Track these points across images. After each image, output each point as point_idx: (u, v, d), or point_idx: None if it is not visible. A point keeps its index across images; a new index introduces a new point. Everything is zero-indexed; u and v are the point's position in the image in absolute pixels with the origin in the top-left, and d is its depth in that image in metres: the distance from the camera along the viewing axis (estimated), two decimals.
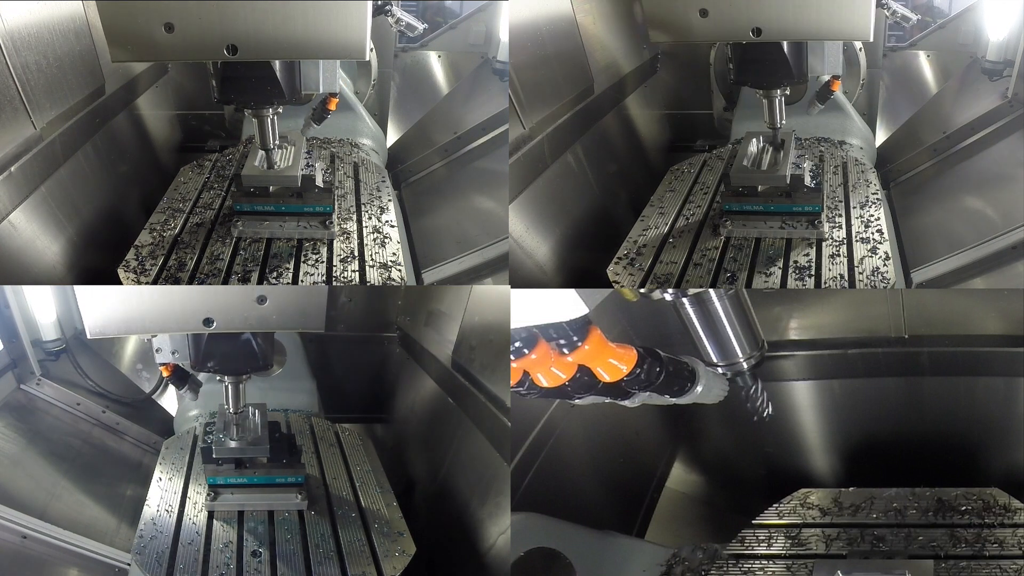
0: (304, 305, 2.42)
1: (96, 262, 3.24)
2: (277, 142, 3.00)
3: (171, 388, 4.38)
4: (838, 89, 3.34)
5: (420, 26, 3.83)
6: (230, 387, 2.77)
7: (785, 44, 2.89)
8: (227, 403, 2.80)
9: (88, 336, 2.34)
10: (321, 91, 2.93)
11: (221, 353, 2.62)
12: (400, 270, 2.95)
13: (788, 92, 3.11)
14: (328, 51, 2.51)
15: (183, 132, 4.70)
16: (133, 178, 3.92)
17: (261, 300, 2.37)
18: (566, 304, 1.92)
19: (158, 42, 2.42)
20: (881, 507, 2.82)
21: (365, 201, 3.39)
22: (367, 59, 2.60)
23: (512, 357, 2.07)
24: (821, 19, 2.69)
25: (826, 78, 3.47)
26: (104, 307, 2.32)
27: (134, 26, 2.42)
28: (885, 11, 3.59)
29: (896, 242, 3.51)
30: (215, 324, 2.37)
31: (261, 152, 3.21)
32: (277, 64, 2.67)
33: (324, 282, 2.85)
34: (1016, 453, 3.57)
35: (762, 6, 2.71)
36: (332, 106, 3.32)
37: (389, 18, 3.70)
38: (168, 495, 2.92)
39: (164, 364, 2.71)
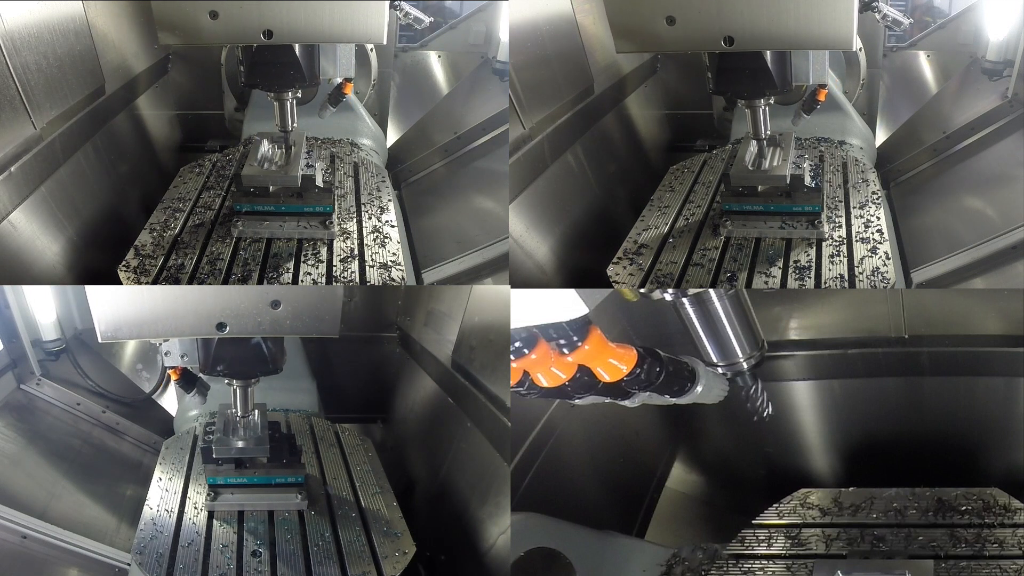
0: (319, 309, 2.42)
1: (96, 262, 3.24)
2: (295, 124, 3.16)
3: (171, 388, 4.38)
4: (824, 99, 3.18)
5: (427, 19, 3.87)
6: (238, 391, 2.76)
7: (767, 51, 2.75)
8: (235, 407, 2.79)
9: (100, 340, 2.33)
10: (338, 76, 3.17)
11: (231, 357, 2.60)
12: (400, 270, 2.95)
13: (772, 101, 2.97)
14: (351, 36, 2.81)
15: (183, 132, 4.70)
16: (133, 178, 3.92)
17: (275, 304, 2.37)
18: (566, 304, 1.92)
19: (203, 28, 2.73)
20: (881, 507, 2.82)
21: (365, 201, 3.39)
22: (384, 43, 2.90)
23: (512, 357, 2.07)
24: (799, 27, 2.54)
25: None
26: (116, 310, 2.31)
27: (182, 13, 2.73)
28: (876, 15, 3.57)
29: (896, 242, 3.51)
30: (228, 329, 2.37)
31: (262, 151, 3.24)
32: (298, 50, 2.93)
33: (324, 283, 2.86)
34: (1016, 453, 3.57)
35: (733, 14, 2.56)
36: (347, 90, 3.48)
37: (397, 12, 3.75)
38: (168, 495, 2.92)
39: (172, 367, 2.69)
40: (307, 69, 2.99)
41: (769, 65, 2.77)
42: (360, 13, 2.76)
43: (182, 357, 2.65)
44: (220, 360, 2.60)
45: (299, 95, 3.13)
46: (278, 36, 2.77)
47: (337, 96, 3.53)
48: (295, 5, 2.74)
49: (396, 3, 3.74)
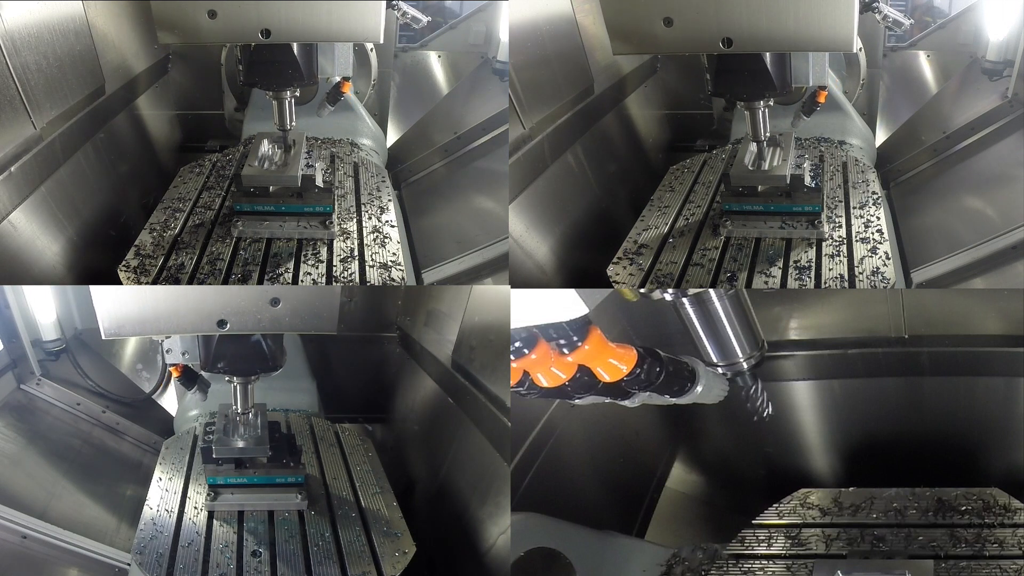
0: (317, 307, 2.44)
1: (96, 262, 3.24)
2: (294, 123, 3.18)
3: (171, 388, 4.38)
4: (824, 101, 3.15)
5: (425, 19, 3.87)
6: (239, 388, 2.78)
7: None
8: (235, 403, 2.80)
9: (103, 337, 2.36)
10: (336, 74, 3.20)
11: (231, 354, 2.63)
12: (400, 270, 2.95)
13: (772, 103, 2.92)
14: (348, 35, 2.86)
15: (183, 132, 4.70)
16: (133, 178, 3.92)
17: (275, 302, 2.39)
18: (566, 304, 1.92)
19: (202, 27, 2.76)
20: (881, 507, 2.83)
21: (365, 201, 3.39)
22: (381, 42, 2.94)
23: (512, 357, 2.07)
24: (799, 28, 2.48)
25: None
26: (119, 307, 2.34)
27: (180, 12, 2.77)
28: (876, 15, 3.56)
29: (896, 242, 3.51)
30: (229, 326, 2.39)
31: (262, 151, 3.24)
32: (296, 49, 2.96)
33: (323, 282, 2.86)
34: (1016, 453, 3.57)
35: (732, 15, 2.50)
36: (345, 88, 3.50)
37: (396, 12, 3.76)
38: (168, 495, 2.92)
39: (174, 365, 2.72)
40: (305, 68, 3.01)
41: (768, 67, 2.73)
42: (357, 12, 2.79)
43: (183, 354, 2.67)
44: (220, 357, 2.63)
45: (297, 94, 3.15)
46: (276, 35, 2.80)
47: (335, 95, 3.55)
48: (293, 4, 2.76)
49: (394, 2, 3.75)
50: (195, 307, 2.38)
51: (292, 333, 2.70)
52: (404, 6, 3.79)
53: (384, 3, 2.81)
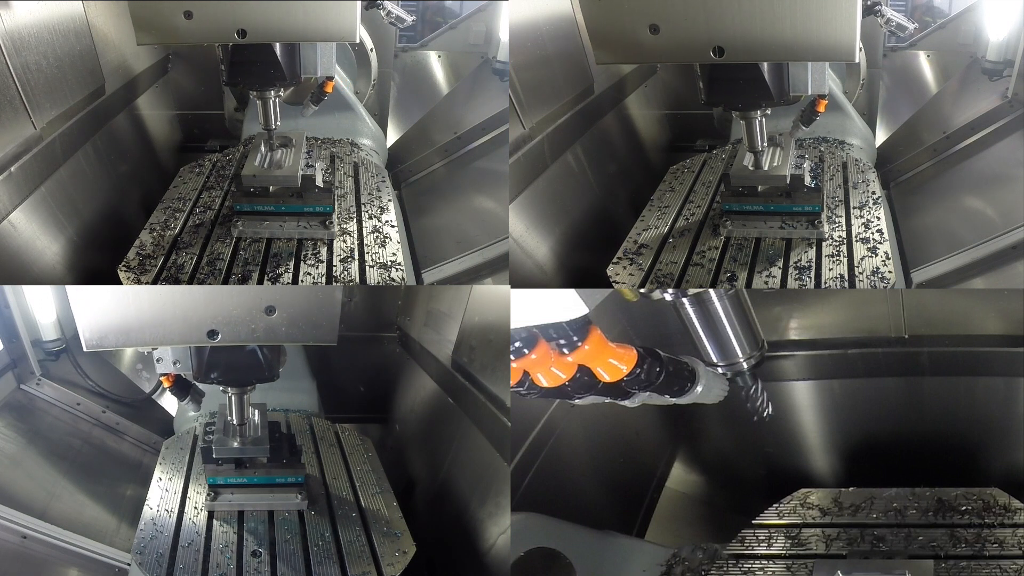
0: (316, 316, 2.30)
1: (96, 262, 3.24)
2: (279, 122, 3.17)
3: None
4: (824, 110, 3.04)
5: (409, 18, 3.87)
6: (234, 398, 2.71)
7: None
8: (230, 414, 2.75)
9: (84, 348, 2.22)
10: (319, 74, 3.14)
11: (225, 364, 2.53)
12: (400, 270, 2.95)
13: (769, 112, 2.84)
14: (324, 35, 2.86)
15: (183, 132, 4.70)
16: (133, 178, 3.92)
17: (270, 310, 2.27)
18: (566, 304, 1.92)
19: (179, 27, 2.78)
20: (881, 507, 2.83)
21: (365, 201, 3.39)
22: (358, 41, 2.96)
23: (512, 357, 2.07)
24: (796, 36, 2.31)
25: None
26: (101, 315, 2.20)
27: (157, 13, 2.79)
28: (879, 19, 3.53)
29: (896, 242, 3.51)
30: (220, 336, 2.26)
31: (261, 152, 3.24)
32: (278, 49, 2.94)
33: (323, 282, 2.85)
34: (1016, 453, 3.57)
35: (724, 21, 2.32)
36: (328, 88, 3.47)
37: (381, 11, 3.75)
38: (168, 495, 2.92)
39: (165, 375, 2.62)
40: (287, 67, 2.99)
41: (764, 75, 2.63)
42: (333, 12, 2.79)
43: (174, 364, 2.56)
44: (214, 367, 2.53)
45: (282, 93, 3.13)
46: (252, 35, 2.80)
47: (319, 95, 3.54)
48: (269, 4, 2.75)
49: (379, 2, 3.74)
50: (184, 315, 2.23)
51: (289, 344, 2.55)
52: (389, 5, 3.78)
53: (359, 3, 2.81)
